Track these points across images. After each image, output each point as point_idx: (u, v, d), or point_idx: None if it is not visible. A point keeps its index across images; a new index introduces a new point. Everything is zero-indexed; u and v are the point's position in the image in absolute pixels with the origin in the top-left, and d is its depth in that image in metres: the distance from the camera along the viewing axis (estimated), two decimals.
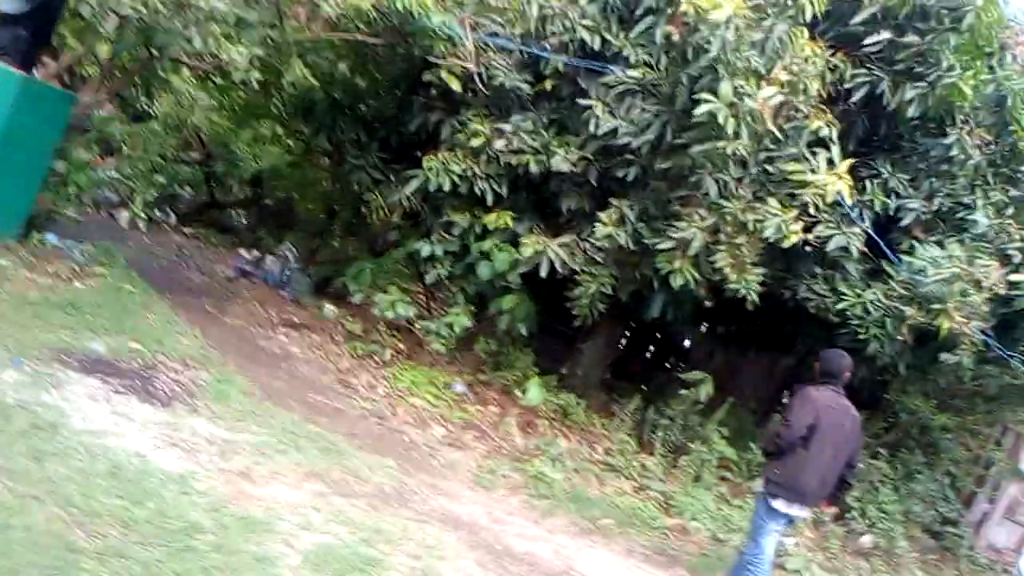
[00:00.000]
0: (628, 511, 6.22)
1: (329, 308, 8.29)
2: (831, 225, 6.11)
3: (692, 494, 6.88)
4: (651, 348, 10.97)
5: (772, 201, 5.40)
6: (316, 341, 7.42)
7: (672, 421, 7.66)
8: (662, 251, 5.67)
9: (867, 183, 6.34)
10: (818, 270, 6.77)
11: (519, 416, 7.13)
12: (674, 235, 5.52)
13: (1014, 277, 6.15)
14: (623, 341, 9.91)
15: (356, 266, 8.04)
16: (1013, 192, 6.65)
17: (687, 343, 10.68)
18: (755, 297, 5.88)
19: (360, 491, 4.65)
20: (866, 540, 7.85)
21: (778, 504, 4.96)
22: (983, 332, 6.25)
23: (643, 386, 8.63)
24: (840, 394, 5.06)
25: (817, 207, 5.66)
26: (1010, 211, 6.54)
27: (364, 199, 7.92)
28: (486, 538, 4.76)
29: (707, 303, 6.32)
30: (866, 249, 6.43)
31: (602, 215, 5.90)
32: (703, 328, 9.80)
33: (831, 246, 6.10)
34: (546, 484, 6.01)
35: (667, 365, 10.79)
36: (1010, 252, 6.30)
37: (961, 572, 8.30)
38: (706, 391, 7.43)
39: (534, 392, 6.84)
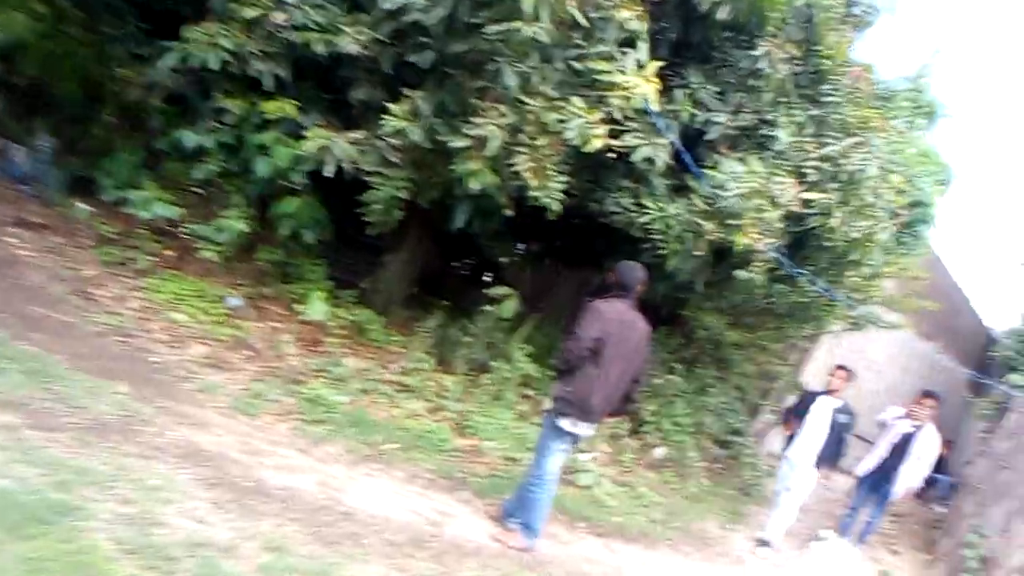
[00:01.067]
0: (418, 434, 5.79)
1: (81, 207, 6.99)
2: (639, 135, 5.78)
3: (490, 413, 6.59)
4: (467, 264, 10.54)
5: (576, 101, 4.93)
6: (56, 244, 6.20)
7: (476, 339, 7.29)
8: (459, 151, 5.08)
9: (676, 92, 6.05)
10: (625, 183, 6.51)
11: (303, 334, 6.43)
12: (470, 132, 4.93)
13: (808, 195, 6.19)
14: (436, 256, 9.36)
15: (112, 158, 6.79)
16: (813, 111, 6.65)
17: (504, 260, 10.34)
18: (557, 207, 5.48)
19: (69, 423, 3.80)
20: (659, 452, 8.05)
21: (565, 423, 4.70)
22: (776, 250, 6.30)
23: (452, 302, 8.15)
24: (631, 307, 4.83)
25: (624, 114, 5.27)
26: (810, 130, 6.55)
27: (122, 78, 6.62)
28: (233, 473, 4.11)
29: (508, 212, 5.84)
30: (673, 163, 6.22)
31: (393, 107, 5.17)
32: (518, 244, 9.49)
33: (637, 157, 5.79)
34: (324, 408, 5.42)
35: (483, 282, 10.43)
36: (806, 170, 6.31)
37: (743, 478, 8.79)
38: (510, 307, 7.09)
39: (316, 305, 6.14)
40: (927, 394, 7.43)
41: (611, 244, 7.40)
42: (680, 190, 6.40)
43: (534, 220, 7.18)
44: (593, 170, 6.49)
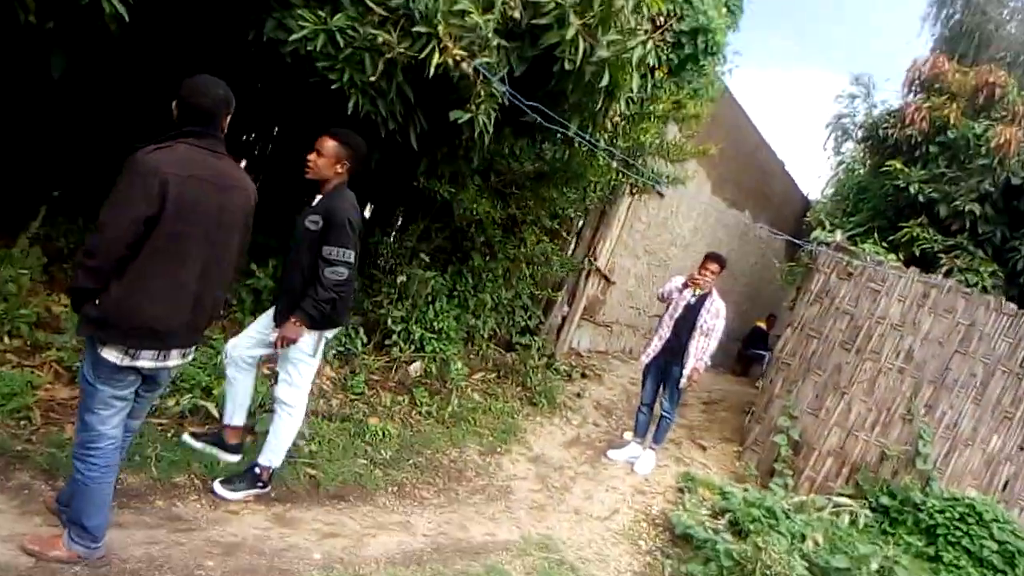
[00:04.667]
0: None
1: None
2: None
3: None
4: None
5: None
6: None
7: None
8: None
9: None
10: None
11: None
12: None
13: None
14: None
15: None
16: None
17: None
18: (113, 7, 3.36)
19: None
20: (413, 368, 6.39)
21: (110, 354, 2.79)
22: (500, 79, 4.55)
23: None
24: (217, 154, 2.91)
25: None
26: None
27: None
28: None
29: (31, 18, 3.64)
30: None
31: None
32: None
33: None
34: None
35: None
36: None
37: (528, 385, 7.33)
38: None
39: None
40: (711, 257, 6.14)
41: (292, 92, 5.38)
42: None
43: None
44: None
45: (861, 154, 12.04)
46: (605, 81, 4.77)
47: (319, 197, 3.87)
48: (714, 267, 6.11)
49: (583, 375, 8.63)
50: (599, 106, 5.01)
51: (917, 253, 9.10)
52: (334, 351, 5.77)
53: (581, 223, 8.46)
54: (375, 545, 3.95)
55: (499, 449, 5.94)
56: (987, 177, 8.87)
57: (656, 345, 6.23)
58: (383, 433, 5.18)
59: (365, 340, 6.10)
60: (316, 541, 3.80)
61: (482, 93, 4.55)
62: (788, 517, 5.67)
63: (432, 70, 4.10)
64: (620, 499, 5.76)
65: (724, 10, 6.86)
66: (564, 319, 8.62)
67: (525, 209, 6.44)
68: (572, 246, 8.51)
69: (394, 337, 6.25)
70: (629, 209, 8.90)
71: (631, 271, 9.79)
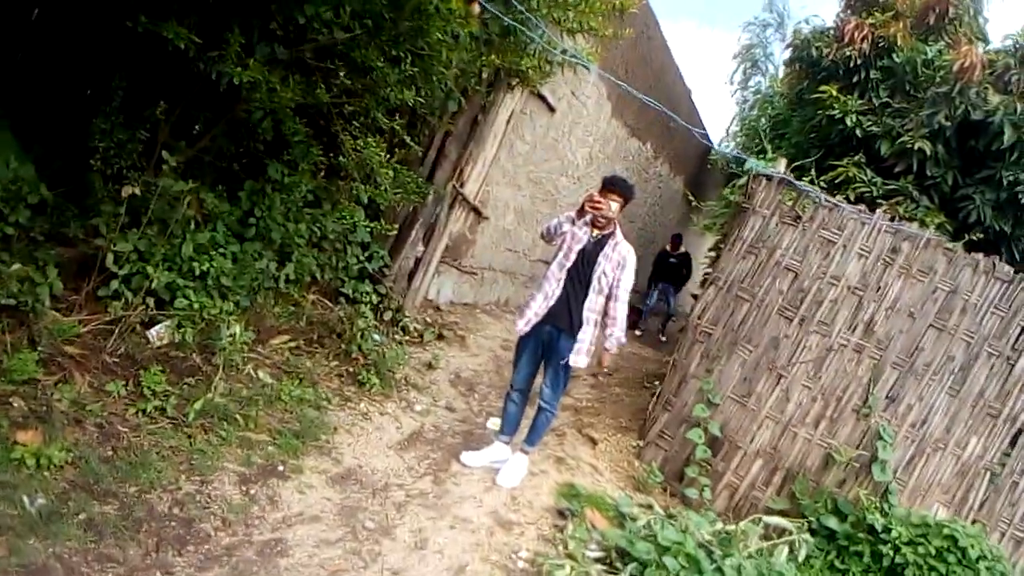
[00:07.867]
0: None
1: None
2: None
3: None
4: None
5: None
6: None
7: None
8: None
9: None
10: None
11: None
12: None
13: None
14: None
15: None
16: None
17: None
18: None
19: None
20: (155, 333, 4.04)
21: None
22: None
23: None
24: None
25: None
26: None
27: None
28: None
29: None
30: None
31: None
32: None
33: None
34: None
35: None
36: None
37: (356, 357, 5.15)
38: None
39: None
40: (612, 183, 4.13)
41: None
42: None
43: None
44: None
45: (781, 82, 10.36)
46: None
47: None
48: (615, 197, 4.11)
49: (440, 336, 6.50)
50: None
51: (852, 198, 7.51)
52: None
53: (443, 135, 6.21)
54: None
55: (281, 467, 3.74)
56: (942, 109, 7.30)
57: (540, 306, 4.19)
58: (38, 462, 2.85)
59: (62, 286, 3.67)
60: None
61: None
62: (712, 560, 3.88)
63: None
64: (471, 543, 3.73)
65: None
66: (418, 262, 6.42)
67: (344, 96, 4.10)
68: (430, 165, 6.26)
69: (115, 284, 3.85)
70: (509, 124, 6.72)
71: (510, 204, 7.65)
